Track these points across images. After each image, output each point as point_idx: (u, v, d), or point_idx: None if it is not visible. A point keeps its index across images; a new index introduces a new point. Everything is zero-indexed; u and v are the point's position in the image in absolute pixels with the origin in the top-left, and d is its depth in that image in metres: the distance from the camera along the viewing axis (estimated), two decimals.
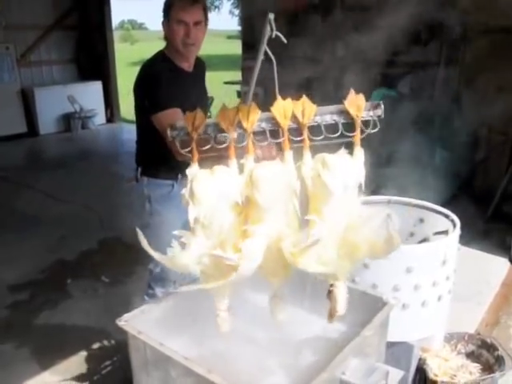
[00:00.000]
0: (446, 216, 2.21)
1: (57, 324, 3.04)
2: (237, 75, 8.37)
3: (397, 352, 2.04)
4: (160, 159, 2.14)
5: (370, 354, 1.58)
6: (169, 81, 2.11)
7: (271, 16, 1.68)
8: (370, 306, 1.65)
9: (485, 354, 2.30)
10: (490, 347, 2.28)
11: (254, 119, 1.42)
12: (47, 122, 8.91)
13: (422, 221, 2.37)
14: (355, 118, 1.43)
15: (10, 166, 6.74)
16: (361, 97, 1.45)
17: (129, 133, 9.00)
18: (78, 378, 2.55)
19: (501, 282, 3.42)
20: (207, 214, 1.33)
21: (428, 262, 1.94)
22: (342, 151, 1.40)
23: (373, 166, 4.76)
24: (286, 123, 1.42)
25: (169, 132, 1.47)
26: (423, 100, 5.02)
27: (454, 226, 2.12)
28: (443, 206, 2.32)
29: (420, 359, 2.22)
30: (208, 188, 1.34)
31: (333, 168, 1.31)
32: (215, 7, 32.08)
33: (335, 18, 6.27)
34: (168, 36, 2.18)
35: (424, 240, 2.32)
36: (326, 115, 1.46)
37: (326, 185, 1.30)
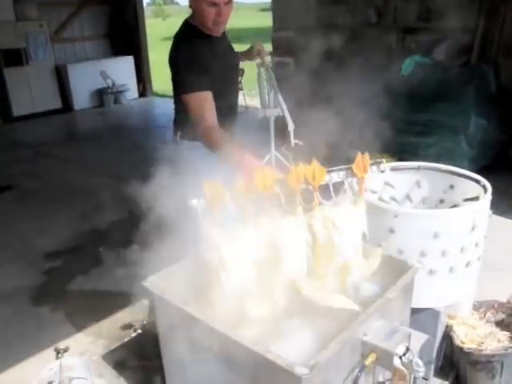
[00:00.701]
0: (477, 182, 2.15)
1: (89, 290, 3.15)
2: (268, 47, 8.27)
3: (423, 318, 2.03)
4: None
5: (393, 318, 1.57)
6: (199, 55, 2.07)
7: None
8: (394, 270, 1.64)
9: None
10: None
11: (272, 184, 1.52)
12: (81, 97, 9.07)
13: (452, 187, 2.30)
14: (360, 179, 1.60)
15: (46, 141, 6.93)
16: (366, 157, 1.58)
17: (160, 107, 9.08)
18: (110, 339, 2.65)
19: None
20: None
21: (456, 228, 1.89)
22: (347, 203, 1.57)
23: (405, 133, 4.67)
24: (298, 187, 1.53)
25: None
26: (459, 67, 4.84)
27: (485, 191, 2.06)
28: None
29: (447, 326, 2.20)
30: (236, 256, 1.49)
31: (342, 229, 1.53)
32: None
33: None
34: (197, 15, 2.12)
35: (454, 207, 2.27)
36: (334, 175, 1.61)
37: (336, 244, 1.53)
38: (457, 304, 2.16)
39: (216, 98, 2.06)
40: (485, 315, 2.34)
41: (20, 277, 3.34)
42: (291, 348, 1.37)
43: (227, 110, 2.26)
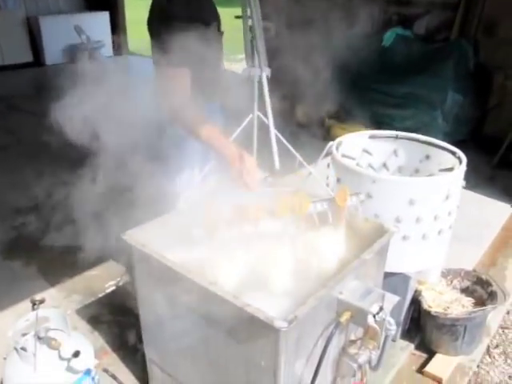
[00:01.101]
0: (453, 153, 2.20)
1: (63, 245, 3.12)
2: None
3: (394, 282, 2.09)
4: None
5: (368, 280, 1.62)
6: (177, 22, 1.84)
7: None
8: (370, 233, 1.68)
9: (479, 290, 2.35)
10: (485, 283, 2.33)
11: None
12: (53, 52, 8.73)
13: (428, 157, 2.36)
14: (341, 208, 1.72)
15: (16, 94, 6.69)
16: (346, 190, 1.74)
17: (135, 66, 8.84)
18: (84, 294, 2.65)
19: (501, 226, 3.45)
20: None
21: (431, 196, 1.94)
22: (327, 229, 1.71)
23: (382, 104, 4.68)
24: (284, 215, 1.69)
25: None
26: (439, 42, 4.87)
27: (460, 163, 2.11)
28: None
29: (416, 291, 2.29)
30: None
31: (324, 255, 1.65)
32: None
33: None
34: None
35: (429, 176, 2.32)
36: (318, 204, 1.73)
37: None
38: (427, 270, 2.24)
39: (197, 63, 1.90)
40: (451, 282, 2.44)
41: None
42: (269, 302, 1.41)
43: (211, 72, 2.11)
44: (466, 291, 2.39)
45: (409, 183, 1.97)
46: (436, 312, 2.18)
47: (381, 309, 1.45)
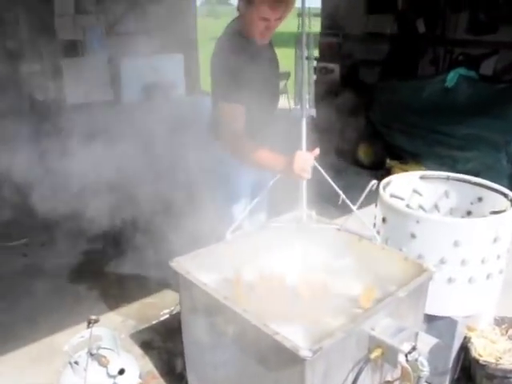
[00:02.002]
0: (505, 195, 2.16)
1: (125, 272, 3.31)
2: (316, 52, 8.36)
3: (439, 326, 2.07)
4: None
5: (404, 319, 1.62)
6: (239, 64, 2.02)
7: None
8: (409, 272, 1.69)
9: None
10: None
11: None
12: (131, 90, 9.38)
13: (480, 199, 2.32)
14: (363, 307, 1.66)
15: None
16: (373, 291, 1.70)
17: (204, 105, 9.26)
18: (139, 320, 2.80)
19: None
20: None
21: (476, 238, 1.92)
22: None
23: (444, 145, 4.59)
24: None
25: None
26: (505, 83, 4.75)
27: None
28: None
29: (465, 338, 2.21)
30: None
31: None
32: None
33: None
34: (246, 23, 2.08)
35: None
36: None
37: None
38: (476, 316, 2.18)
39: (253, 104, 2.06)
40: (507, 331, 2.33)
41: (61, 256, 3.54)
42: (302, 334, 1.46)
43: (265, 115, 2.26)
44: None
45: (453, 224, 1.96)
46: (485, 361, 2.10)
47: (413, 348, 1.45)
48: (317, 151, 1.90)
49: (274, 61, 2.36)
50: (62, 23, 8.14)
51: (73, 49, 8.53)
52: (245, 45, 2.09)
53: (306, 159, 1.85)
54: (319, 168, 1.86)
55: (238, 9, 2.12)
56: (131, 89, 9.33)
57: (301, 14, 2.21)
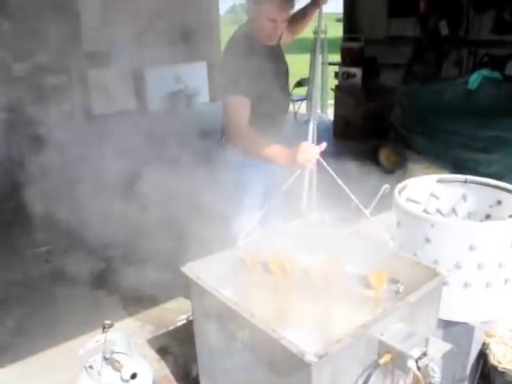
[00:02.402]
0: None
1: (144, 279, 3.34)
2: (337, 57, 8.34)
3: (456, 332, 2.02)
4: None
5: (416, 324, 1.60)
6: (244, 61, 2.10)
7: None
8: (421, 276, 1.67)
9: None
10: None
11: None
12: (155, 99, 9.51)
13: (499, 203, 2.27)
14: (375, 291, 1.75)
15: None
16: (385, 273, 1.75)
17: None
18: (156, 326, 2.83)
19: None
20: None
21: (493, 242, 1.87)
22: None
23: (467, 148, 4.51)
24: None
25: None
26: None
27: None
28: None
29: (483, 344, 2.16)
30: None
31: None
32: None
33: None
34: (254, 25, 2.18)
35: None
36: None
37: None
38: (494, 321, 2.12)
39: (261, 104, 2.12)
40: None
41: (82, 262, 3.61)
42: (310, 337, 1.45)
43: (273, 116, 2.31)
44: None
45: (467, 228, 1.92)
46: (504, 368, 2.04)
47: (424, 354, 1.43)
48: (324, 145, 1.91)
49: (282, 62, 2.42)
50: (89, 35, 8.33)
51: (99, 60, 8.71)
52: (252, 43, 2.18)
53: (311, 151, 1.87)
54: (328, 169, 1.86)
55: (247, 12, 2.24)
56: (154, 98, 9.47)
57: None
